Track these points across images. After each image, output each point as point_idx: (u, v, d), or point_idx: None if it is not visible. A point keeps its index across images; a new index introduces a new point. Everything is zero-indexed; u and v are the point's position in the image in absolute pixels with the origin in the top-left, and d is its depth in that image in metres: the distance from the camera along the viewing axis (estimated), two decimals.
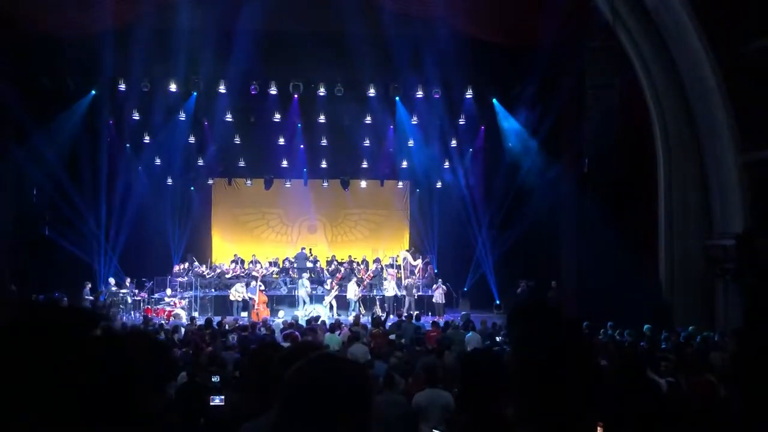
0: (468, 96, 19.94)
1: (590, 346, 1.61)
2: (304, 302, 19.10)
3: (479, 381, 2.78)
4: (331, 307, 19.02)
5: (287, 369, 1.54)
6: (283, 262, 22.23)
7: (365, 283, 20.19)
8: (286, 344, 9.07)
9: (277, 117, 20.70)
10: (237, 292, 18.83)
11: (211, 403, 4.57)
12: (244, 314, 18.39)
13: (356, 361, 1.65)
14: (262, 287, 19.15)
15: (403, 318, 15.02)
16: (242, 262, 22.17)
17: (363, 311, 18.82)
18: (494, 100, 20.34)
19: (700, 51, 13.79)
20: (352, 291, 19.31)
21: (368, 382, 1.55)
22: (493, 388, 2.64)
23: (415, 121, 21.03)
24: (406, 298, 19.48)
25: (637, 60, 15.18)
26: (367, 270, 21.48)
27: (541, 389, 1.45)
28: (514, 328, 1.64)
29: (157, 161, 21.64)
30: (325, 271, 21.56)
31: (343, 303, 19.42)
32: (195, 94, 19.78)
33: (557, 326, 1.57)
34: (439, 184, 23.16)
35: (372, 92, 19.60)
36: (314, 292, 19.85)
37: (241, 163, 22.80)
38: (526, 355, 1.52)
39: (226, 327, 13.39)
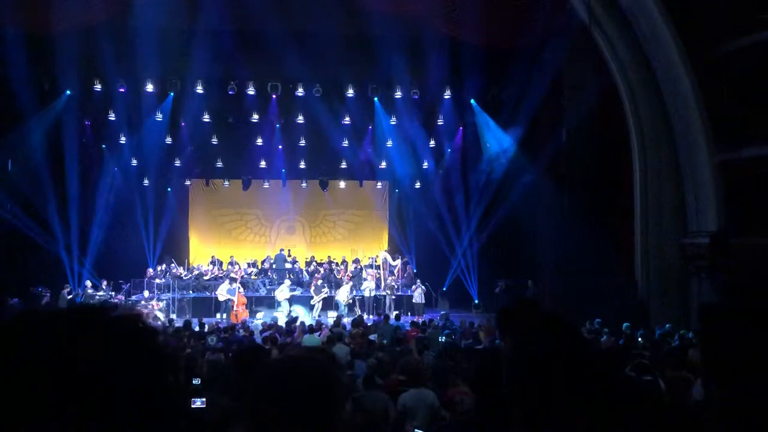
0: (446, 97, 20.02)
1: (587, 346, 1.63)
2: (280, 305, 18.99)
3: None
4: (313, 308, 18.97)
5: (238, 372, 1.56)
6: (262, 263, 22.14)
7: (350, 286, 20.20)
8: (266, 346, 9.04)
9: (255, 117, 20.60)
10: (223, 293, 18.72)
11: (192, 406, 4.52)
12: (223, 316, 18.31)
13: (322, 360, 1.65)
14: (241, 289, 19.05)
15: (381, 318, 15.05)
16: (220, 263, 22.03)
17: (345, 312, 18.79)
18: (472, 101, 20.44)
19: (675, 52, 14.01)
20: (344, 294, 19.22)
21: (333, 381, 1.56)
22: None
23: (393, 121, 21.07)
24: (386, 298, 19.51)
25: (613, 61, 15.37)
26: (347, 270, 21.48)
27: (539, 390, 1.46)
28: (508, 328, 1.65)
29: (134, 162, 21.43)
30: (304, 272, 21.52)
31: (327, 304, 19.35)
32: (172, 94, 19.60)
33: (554, 326, 1.58)
34: (417, 185, 23.22)
35: (350, 93, 19.59)
36: (294, 293, 19.80)
37: (219, 164, 22.66)
38: (525, 356, 1.53)
39: (206, 329, 13.31)
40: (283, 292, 19.04)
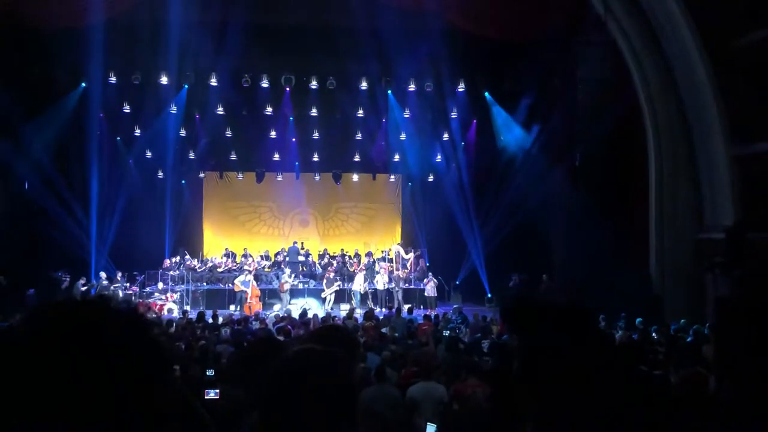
0: (460, 89, 19.93)
1: (604, 339, 1.60)
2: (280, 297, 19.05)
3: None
4: (329, 301, 19.03)
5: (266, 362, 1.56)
6: (276, 255, 22.21)
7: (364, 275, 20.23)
8: (279, 337, 9.08)
9: (269, 110, 20.63)
10: (240, 284, 18.84)
11: (206, 397, 4.56)
12: (234, 308, 18.42)
13: (338, 353, 1.66)
14: (254, 282, 19.13)
15: (393, 311, 15.08)
16: (234, 255, 22.14)
17: (354, 304, 18.84)
18: (486, 94, 20.35)
19: (692, 45, 13.85)
20: (359, 284, 19.25)
21: (350, 373, 1.57)
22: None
23: (407, 114, 21.02)
24: (395, 291, 19.50)
25: (629, 54, 15.23)
26: (359, 263, 21.50)
27: (549, 384, 1.45)
28: (517, 327, 1.64)
29: (148, 154, 21.54)
30: (317, 265, 21.57)
31: (339, 298, 19.39)
32: (186, 87, 19.66)
33: (570, 319, 1.56)
34: (431, 178, 23.17)
35: (364, 85, 19.57)
36: (306, 286, 19.89)
37: (233, 157, 22.71)
38: (537, 350, 1.51)
39: (220, 320, 13.40)
40: (286, 283, 19.15)
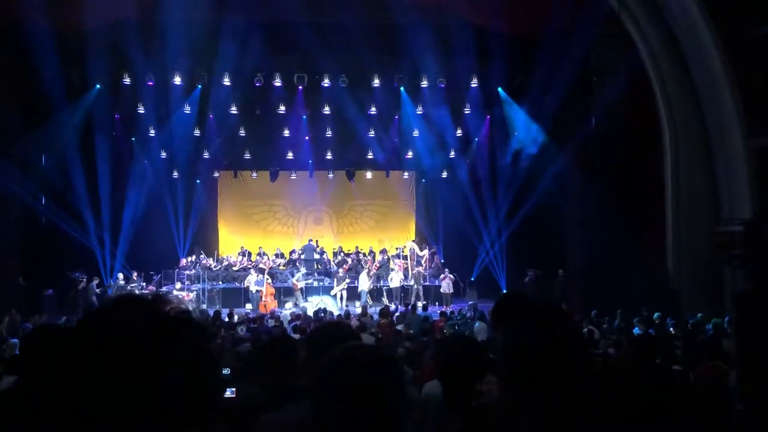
0: (473, 85, 19.84)
1: (578, 333, 1.63)
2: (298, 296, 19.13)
3: (459, 367, 2.84)
4: (341, 297, 19.08)
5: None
6: (290, 253, 22.29)
7: (371, 273, 20.24)
8: (295, 335, 9.10)
9: (282, 109, 20.64)
10: (252, 284, 18.96)
11: (223, 396, 4.57)
12: (249, 306, 18.51)
13: (384, 350, 1.68)
14: (269, 279, 19.22)
15: (409, 308, 15.07)
16: (249, 254, 22.24)
17: (370, 302, 18.86)
18: (500, 89, 20.24)
19: (707, 36, 13.70)
20: (364, 282, 19.30)
21: (400, 370, 1.59)
22: (473, 373, 2.72)
23: (420, 110, 20.97)
24: (413, 288, 19.50)
25: (643, 46, 15.09)
26: (374, 261, 21.51)
27: (531, 376, 1.47)
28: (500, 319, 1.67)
29: (163, 155, 21.67)
30: (332, 263, 21.61)
31: (353, 294, 19.43)
32: (200, 87, 19.74)
33: (544, 316, 1.58)
34: (444, 174, 23.12)
35: (376, 82, 19.53)
36: (321, 284, 19.94)
37: (247, 156, 22.82)
38: (517, 344, 1.54)
39: (236, 319, 13.47)
40: (299, 282, 19.21)
